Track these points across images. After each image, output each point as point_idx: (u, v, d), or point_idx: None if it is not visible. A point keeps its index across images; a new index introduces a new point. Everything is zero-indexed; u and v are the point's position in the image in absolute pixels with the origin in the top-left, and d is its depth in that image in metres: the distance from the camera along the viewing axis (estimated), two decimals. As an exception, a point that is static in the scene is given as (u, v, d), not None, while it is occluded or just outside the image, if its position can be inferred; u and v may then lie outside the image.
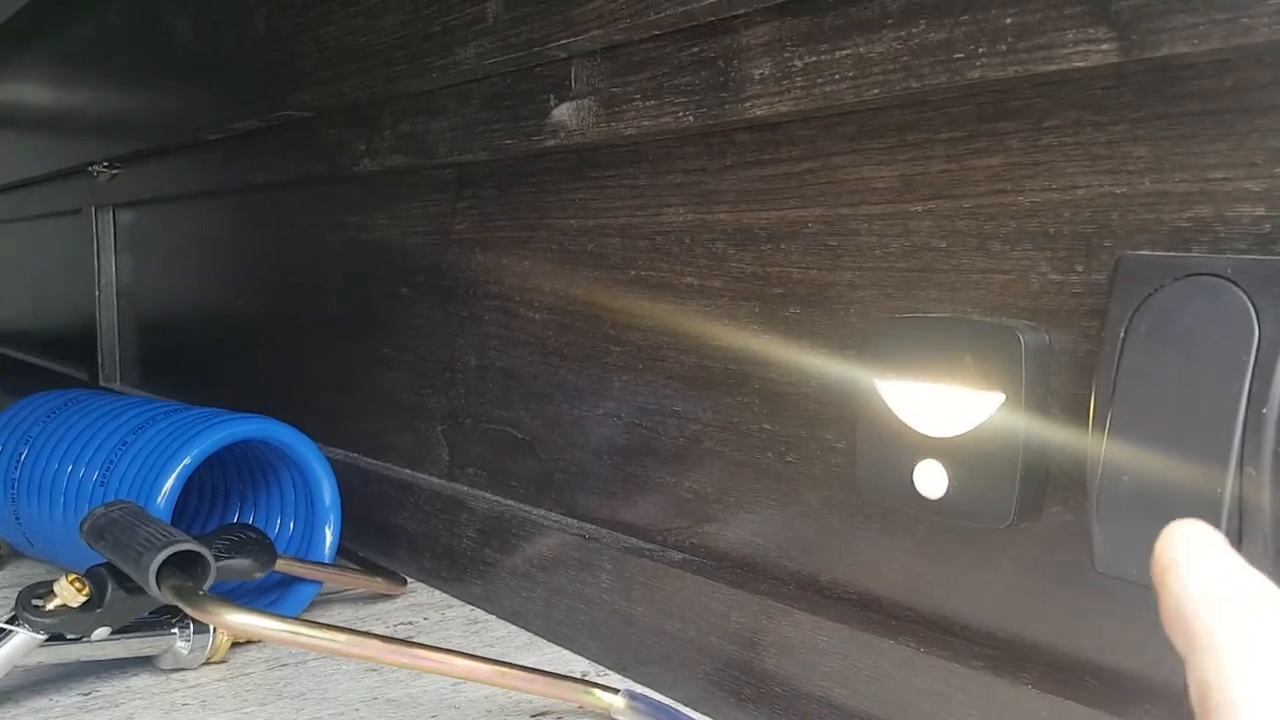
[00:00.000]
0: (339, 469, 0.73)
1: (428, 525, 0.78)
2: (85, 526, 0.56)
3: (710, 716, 0.55)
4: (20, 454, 0.74)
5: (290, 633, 0.48)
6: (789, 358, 0.53)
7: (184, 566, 0.52)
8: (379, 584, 0.73)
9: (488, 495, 0.74)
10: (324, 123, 0.89)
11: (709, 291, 0.57)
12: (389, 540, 0.82)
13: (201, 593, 0.49)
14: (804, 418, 0.52)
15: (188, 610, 0.49)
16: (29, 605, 0.53)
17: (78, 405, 0.77)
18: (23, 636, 0.52)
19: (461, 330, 0.76)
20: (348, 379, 0.91)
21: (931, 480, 0.45)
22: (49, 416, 0.77)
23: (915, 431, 0.45)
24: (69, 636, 0.54)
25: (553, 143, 0.62)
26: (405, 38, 0.74)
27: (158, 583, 0.50)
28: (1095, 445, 0.37)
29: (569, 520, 0.67)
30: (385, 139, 0.80)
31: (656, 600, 0.58)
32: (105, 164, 1.36)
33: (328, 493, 0.70)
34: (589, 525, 0.65)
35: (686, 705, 0.56)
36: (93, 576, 0.54)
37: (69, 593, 0.54)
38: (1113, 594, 0.40)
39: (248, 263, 1.10)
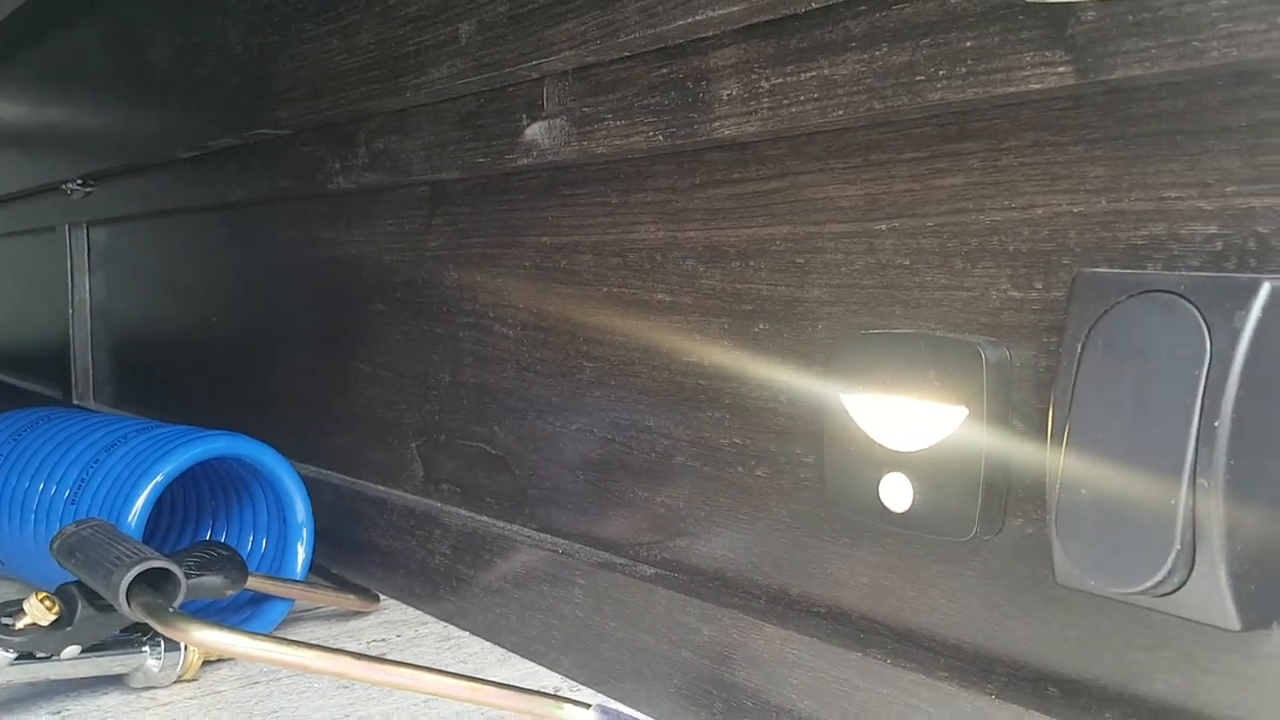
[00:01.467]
0: (312, 486, 0.73)
1: (401, 542, 0.78)
2: (55, 544, 0.56)
3: (682, 731, 0.55)
4: (-10, 472, 0.74)
5: (261, 649, 0.48)
6: (759, 373, 0.54)
7: (155, 584, 0.52)
8: (351, 601, 0.73)
9: (461, 511, 0.74)
10: (299, 140, 0.89)
11: (680, 308, 0.57)
12: (362, 557, 0.82)
13: (172, 610, 0.49)
14: (773, 432, 0.53)
15: (158, 628, 0.49)
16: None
17: (49, 423, 0.77)
18: (-8, 655, 0.52)
19: (435, 346, 0.77)
20: (322, 396, 0.91)
21: (897, 493, 0.46)
22: (20, 435, 0.76)
23: (881, 446, 0.46)
24: (39, 655, 0.54)
25: (525, 161, 0.63)
26: (380, 57, 0.74)
27: (128, 600, 0.50)
28: (1054, 459, 0.38)
29: (542, 536, 0.67)
30: (360, 157, 0.81)
31: (628, 615, 0.59)
32: (79, 181, 1.36)
33: (300, 509, 0.70)
34: (562, 540, 0.66)
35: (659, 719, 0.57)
36: (63, 595, 0.54)
37: (39, 611, 0.53)
38: (1073, 605, 0.41)
39: (222, 280, 1.10)
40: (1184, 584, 0.35)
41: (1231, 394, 0.33)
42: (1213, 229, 0.36)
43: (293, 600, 0.70)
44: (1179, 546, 0.34)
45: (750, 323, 0.54)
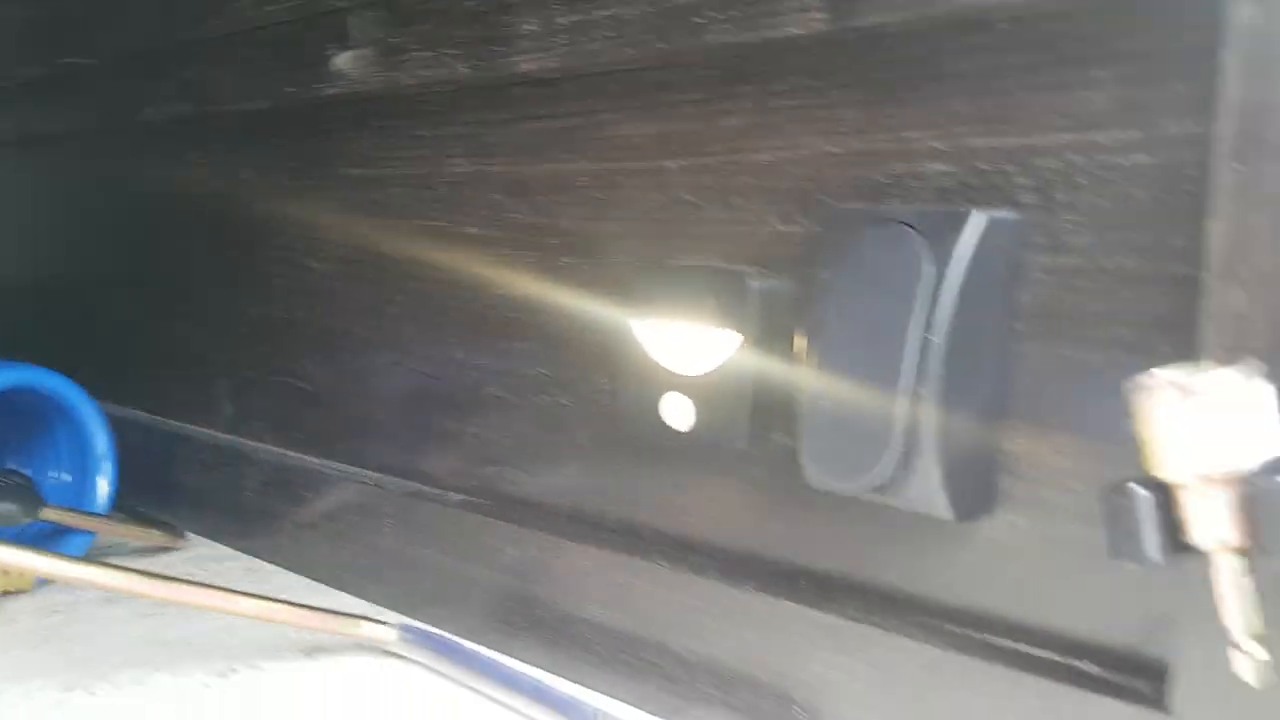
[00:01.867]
0: (121, 425, 0.71)
1: (210, 480, 0.77)
2: None
3: (485, 646, 0.58)
4: None
5: (52, 566, 0.48)
6: (563, 305, 0.56)
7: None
8: (156, 536, 0.72)
9: (272, 448, 0.74)
10: (107, 70, 0.86)
11: (489, 241, 0.59)
12: (172, 496, 0.80)
13: (-48, 531, 0.48)
14: (576, 362, 0.56)
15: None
16: None
17: None
18: None
19: (245, 281, 0.76)
20: (130, 334, 0.89)
21: (680, 414, 0.49)
22: None
23: (666, 370, 0.49)
24: None
25: (334, 92, 0.63)
26: (188, -18, 0.72)
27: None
28: (804, 377, 0.42)
29: (353, 469, 0.68)
30: (168, 87, 0.78)
31: (436, 542, 0.61)
32: None
33: (101, 442, 0.69)
34: (373, 473, 0.67)
35: (463, 638, 0.59)
36: None
37: None
38: (822, 508, 0.45)
39: (38, 218, 1.04)
40: (906, 481, 0.39)
41: (947, 312, 0.38)
42: (944, 167, 0.41)
43: (94, 534, 0.69)
44: (901, 447, 0.39)
45: (555, 256, 0.56)
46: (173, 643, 0.57)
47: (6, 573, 0.61)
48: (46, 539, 0.67)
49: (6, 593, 0.62)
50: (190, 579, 0.51)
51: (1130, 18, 0.36)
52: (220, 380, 0.79)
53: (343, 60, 0.62)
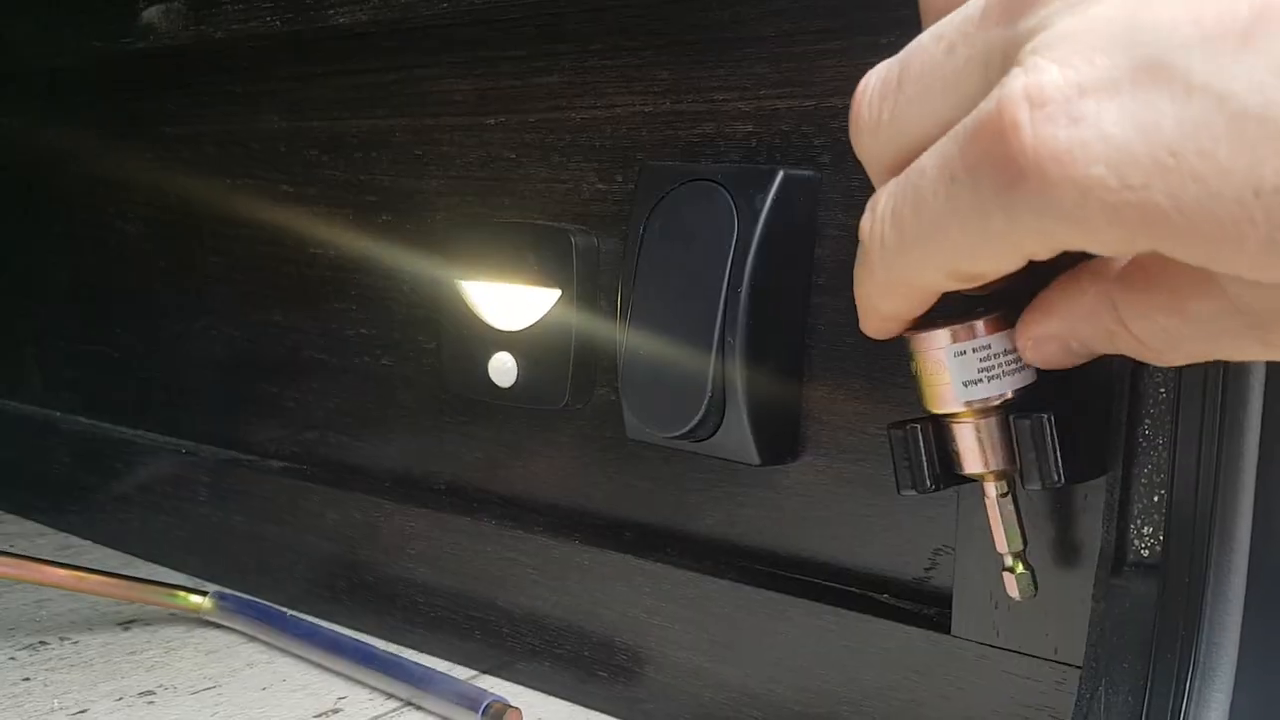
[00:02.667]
0: (-96, 394, 0.67)
1: (17, 453, 0.73)
2: None
3: (309, 614, 0.57)
4: None
5: None
6: (383, 263, 0.55)
7: None
8: (-46, 515, 0.68)
9: (82, 419, 0.71)
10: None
11: (306, 199, 0.58)
12: (-28, 474, 0.76)
13: None
14: (398, 321, 0.55)
15: None
16: None
17: None
18: None
19: (53, 246, 0.72)
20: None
21: (503, 371, 0.49)
22: None
23: (489, 326, 0.50)
24: None
25: (143, 46, 0.60)
26: (-25, -78, 0.67)
27: None
28: (622, 332, 0.43)
29: (167, 439, 0.66)
30: (-41, 36, 0.73)
31: (254, 509, 0.59)
32: None
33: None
34: (188, 442, 0.65)
35: (283, 606, 0.58)
36: None
37: None
38: (644, 460, 0.46)
39: None
40: (718, 428, 0.41)
41: (751, 264, 0.39)
42: (749, 128, 0.42)
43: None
44: (710, 394, 0.40)
45: (374, 213, 0.55)
46: (-30, 623, 0.54)
47: None
48: None
49: None
50: (-12, 553, 0.48)
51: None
52: (27, 349, 0.75)
53: (152, 13, 0.59)
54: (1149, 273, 0.24)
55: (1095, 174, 0.19)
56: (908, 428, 0.33)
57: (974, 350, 0.30)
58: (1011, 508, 0.32)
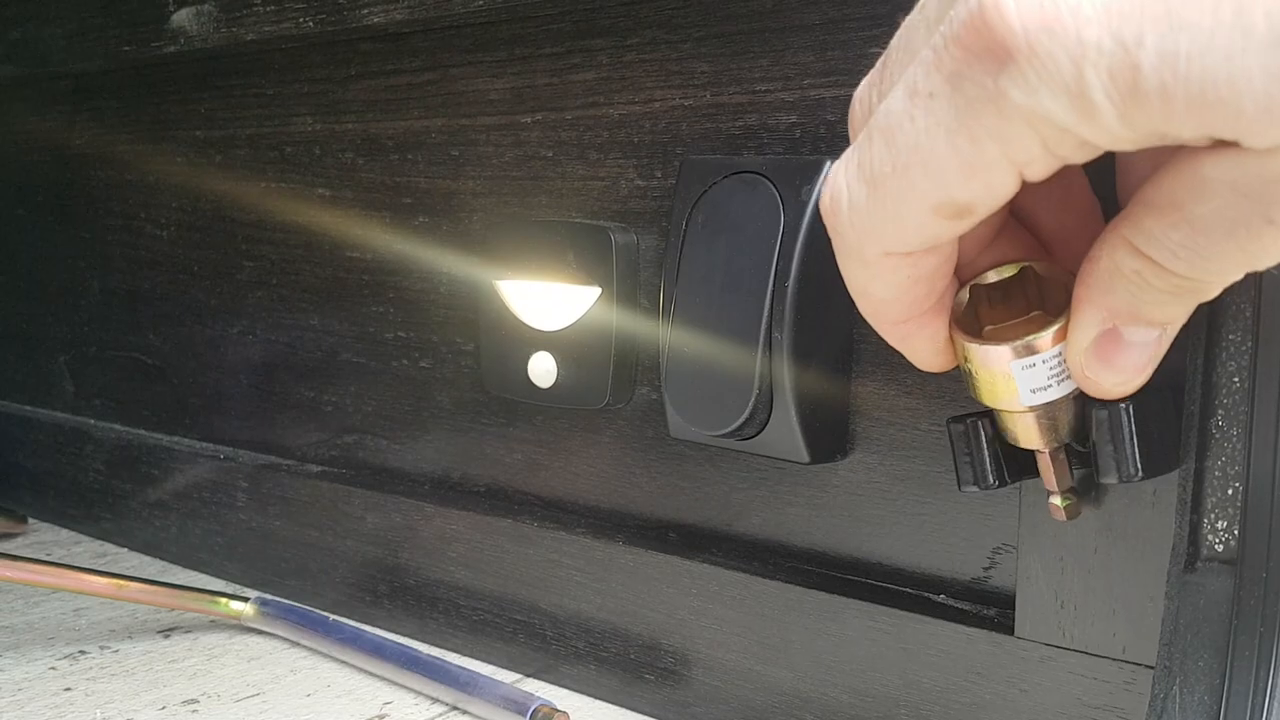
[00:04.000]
0: (-60, 403, 0.67)
1: (51, 461, 0.73)
2: None
3: (349, 618, 0.57)
4: None
5: None
6: (420, 265, 0.55)
7: None
8: (-7, 523, 0.68)
9: (116, 426, 0.70)
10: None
11: (341, 202, 0.58)
12: (10, 482, 0.76)
13: None
14: (435, 323, 0.55)
15: None
16: None
17: None
18: None
19: (83, 252, 0.72)
20: (-45, 312, 0.83)
21: (543, 371, 0.49)
22: None
23: (529, 326, 0.49)
24: None
25: (174, 49, 0.60)
26: (5, -69, 0.67)
27: None
28: (664, 328, 0.42)
29: (203, 444, 0.65)
30: (-11, 45, 0.73)
31: (293, 513, 0.59)
32: None
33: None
34: (225, 447, 0.64)
35: (325, 610, 0.57)
36: None
37: None
38: (688, 459, 0.46)
39: None
40: (765, 426, 0.40)
41: (798, 257, 0.39)
42: (793, 118, 0.41)
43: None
44: (757, 391, 0.39)
45: (410, 215, 0.55)
46: (16, 628, 0.54)
47: None
48: None
49: None
50: (36, 558, 0.48)
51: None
52: (59, 357, 0.75)
53: (182, 16, 0.59)
54: (1146, 200, 0.23)
55: (1089, 37, 0.19)
56: (968, 422, 0.32)
57: (1043, 362, 0.29)
58: (1064, 458, 0.32)
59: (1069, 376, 0.29)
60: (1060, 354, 0.28)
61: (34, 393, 0.77)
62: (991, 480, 0.32)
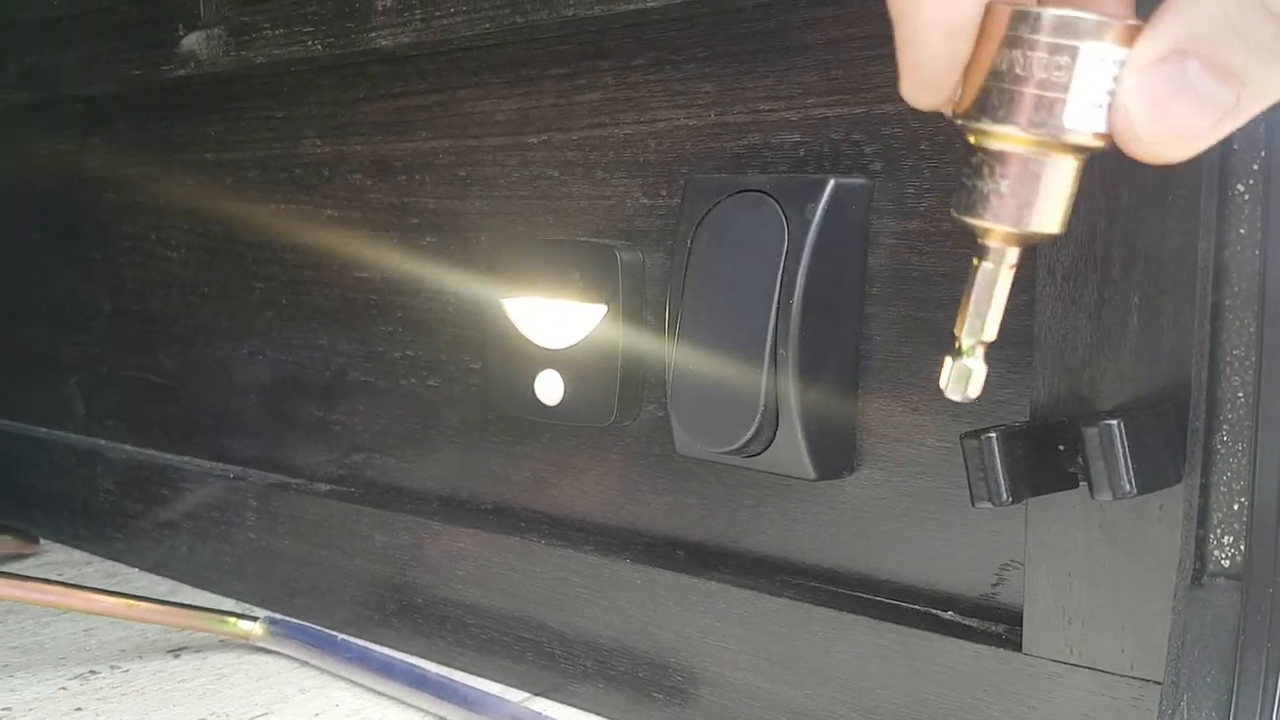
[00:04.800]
0: (-47, 425, 0.67)
1: (63, 482, 0.73)
2: None
3: (358, 636, 0.57)
4: None
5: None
6: (428, 285, 0.55)
7: None
8: (6, 543, 0.68)
9: (127, 446, 0.71)
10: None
11: (349, 223, 0.58)
12: (22, 502, 0.76)
13: None
14: (443, 342, 0.55)
15: None
16: None
17: None
18: None
19: (94, 274, 0.72)
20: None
21: (550, 388, 0.49)
22: None
23: (535, 345, 0.49)
24: None
25: (184, 73, 0.61)
26: (19, -42, 0.68)
27: None
28: (670, 346, 0.43)
29: (213, 464, 0.66)
30: (7, 73, 0.74)
31: (302, 533, 0.59)
32: None
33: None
34: (234, 467, 0.65)
35: (333, 630, 0.57)
36: None
37: None
38: (694, 476, 0.46)
39: None
40: (771, 442, 0.40)
41: (803, 275, 0.39)
42: (796, 137, 0.42)
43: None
44: (764, 407, 0.39)
45: (418, 236, 0.55)
46: (27, 648, 0.54)
47: None
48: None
49: None
50: (46, 579, 0.48)
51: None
52: (70, 379, 0.75)
53: (192, 41, 0.60)
54: None
55: None
56: (982, 438, 0.32)
57: (1106, 63, 0.22)
58: (1007, 289, 0.24)
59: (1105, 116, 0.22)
60: (1120, 65, 0.22)
61: (46, 414, 0.77)
62: (1005, 497, 0.32)
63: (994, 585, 0.39)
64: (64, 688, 0.50)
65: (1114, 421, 0.30)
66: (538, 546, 0.49)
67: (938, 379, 0.25)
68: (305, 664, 0.53)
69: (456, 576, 0.53)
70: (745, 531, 0.45)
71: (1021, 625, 0.36)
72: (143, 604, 0.51)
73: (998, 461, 0.32)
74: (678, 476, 0.47)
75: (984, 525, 0.39)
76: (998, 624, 0.38)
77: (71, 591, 0.49)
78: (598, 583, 0.47)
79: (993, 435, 0.32)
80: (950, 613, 0.40)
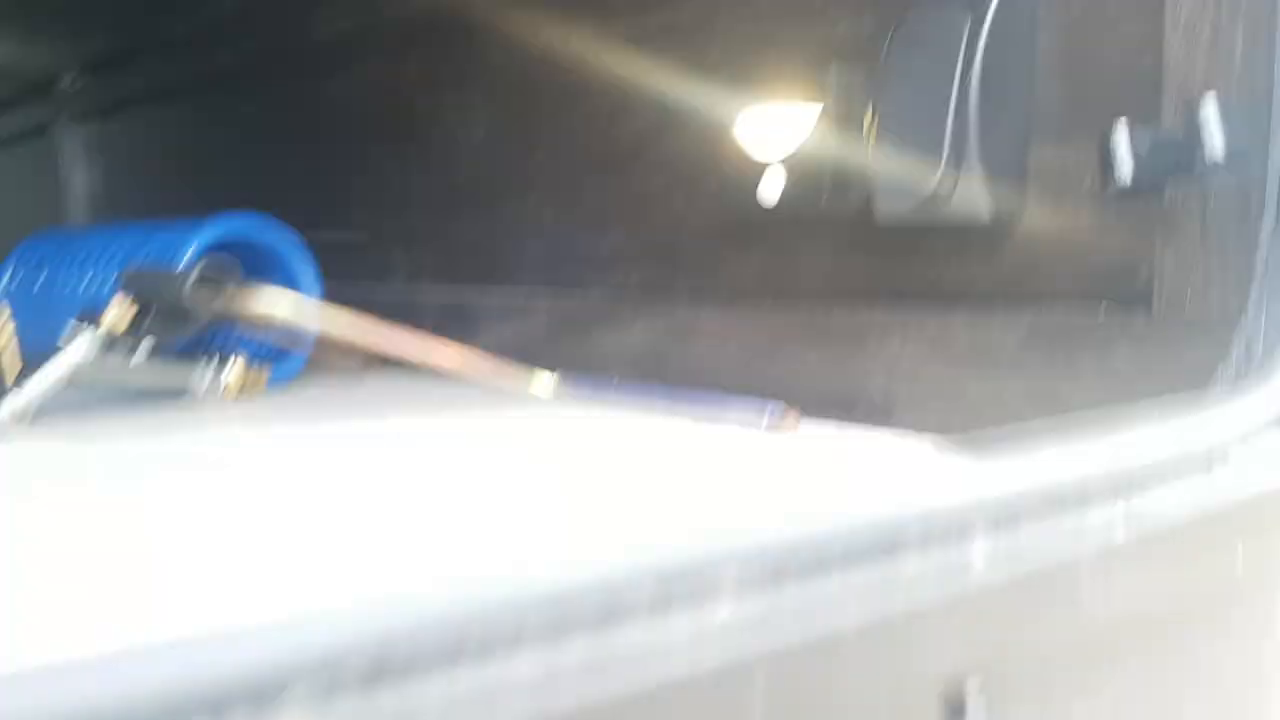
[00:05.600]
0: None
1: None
2: (123, 276, 0.69)
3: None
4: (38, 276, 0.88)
5: (301, 309, 0.63)
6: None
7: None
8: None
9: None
10: None
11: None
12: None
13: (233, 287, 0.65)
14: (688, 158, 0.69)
15: (224, 305, 0.64)
16: (90, 317, 0.66)
17: (83, 234, 0.88)
18: (87, 336, 0.65)
19: (404, 166, 0.92)
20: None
21: (771, 186, 0.62)
22: (61, 243, 0.90)
23: (758, 146, 0.63)
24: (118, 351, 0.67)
25: None
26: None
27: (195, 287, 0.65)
28: (872, 134, 0.55)
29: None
30: None
31: (581, 325, 0.75)
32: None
33: (310, 281, 0.84)
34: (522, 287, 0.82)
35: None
36: (136, 293, 0.67)
37: (119, 310, 0.67)
38: (891, 241, 0.58)
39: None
40: (954, 192, 0.52)
41: (981, 57, 0.50)
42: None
43: (304, 358, 0.83)
44: (948, 163, 0.51)
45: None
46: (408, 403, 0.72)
47: (243, 382, 0.76)
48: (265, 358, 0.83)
49: (243, 394, 0.76)
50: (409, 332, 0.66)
51: None
52: (396, 246, 0.96)
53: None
54: None
55: None
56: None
57: None
58: None
59: None
60: None
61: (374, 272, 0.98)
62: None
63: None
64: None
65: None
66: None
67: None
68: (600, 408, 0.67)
69: (705, 348, 0.67)
70: (930, 278, 0.56)
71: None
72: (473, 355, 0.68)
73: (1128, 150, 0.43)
74: (878, 246, 0.59)
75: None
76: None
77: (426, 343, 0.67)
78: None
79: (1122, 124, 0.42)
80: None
